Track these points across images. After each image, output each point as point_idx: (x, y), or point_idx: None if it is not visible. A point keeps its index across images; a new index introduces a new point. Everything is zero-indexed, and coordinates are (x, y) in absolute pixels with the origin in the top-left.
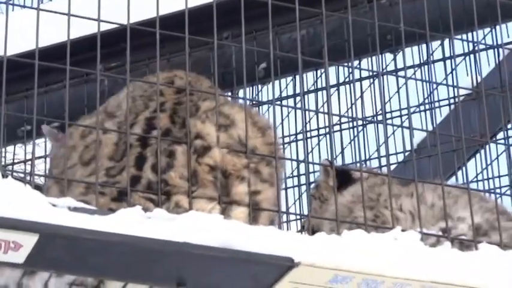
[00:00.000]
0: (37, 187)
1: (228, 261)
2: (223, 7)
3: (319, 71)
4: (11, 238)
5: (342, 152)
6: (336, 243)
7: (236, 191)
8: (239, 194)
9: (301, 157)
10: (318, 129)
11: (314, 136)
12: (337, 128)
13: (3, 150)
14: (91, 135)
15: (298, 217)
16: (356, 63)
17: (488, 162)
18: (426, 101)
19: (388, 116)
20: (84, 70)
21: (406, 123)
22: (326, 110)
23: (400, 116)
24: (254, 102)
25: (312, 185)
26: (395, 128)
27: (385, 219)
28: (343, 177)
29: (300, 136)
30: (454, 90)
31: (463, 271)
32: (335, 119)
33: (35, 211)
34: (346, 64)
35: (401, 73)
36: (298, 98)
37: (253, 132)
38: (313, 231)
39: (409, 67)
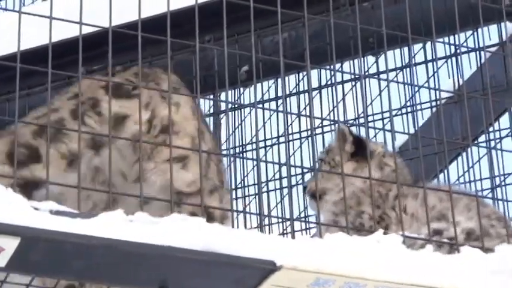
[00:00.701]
0: None
1: (210, 264)
2: (205, 10)
3: (301, 74)
4: None
5: None
6: (318, 247)
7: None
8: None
9: (283, 160)
10: (300, 132)
11: (296, 139)
12: (319, 131)
13: None
14: None
15: (280, 220)
16: (338, 66)
17: (470, 165)
18: (408, 103)
19: (370, 118)
20: (67, 73)
21: (388, 126)
22: (308, 113)
23: (382, 118)
24: (236, 105)
25: (323, 149)
26: (377, 130)
27: (389, 222)
28: (358, 147)
29: (281, 139)
30: (436, 93)
31: (445, 274)
32: (317, 122)
33: (16, 214)
34: (328, 67)
35: (383, 76)
36: (280, 101)
37: None
38: (313, 196)
39: (391, 70)
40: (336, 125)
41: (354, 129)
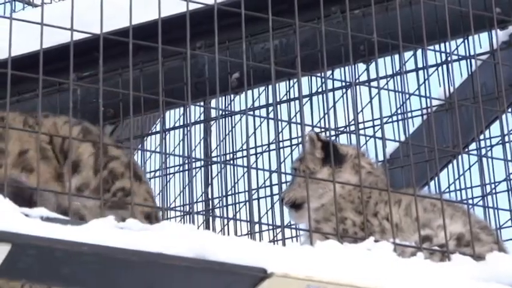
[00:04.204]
0: None
1: (201, 271)
2: (197, 17)
3: (292, 81)
4: None
5: None
6: (309, 254)
7: None
8: None
9: (274, 167)
10: (291, 139)
11: (287, 146)
12: None
13: None
14: None
15: (271, 227)
16: (329, 73)
17: (461, 172)
18: (399, 111)
19: (361, 126)
20: (57, 79)
21: (378, 134)
22: (299, 120)
23: (373, 126)
24: (227, 112)
25: (295, 158)
26: (368, 138)
27: (372, 230)
28: (328, 151)
29: (272, 146)
30: (426, 100)
31: (436, 282)
32: (307, 129)
33: (7, 221)
34: (319, 74)
35: (374, 83)
36: (270, 108)
37: None
38: (295, 205)
39: (382, 77)
40: (307, 132)
41: (343, 136)
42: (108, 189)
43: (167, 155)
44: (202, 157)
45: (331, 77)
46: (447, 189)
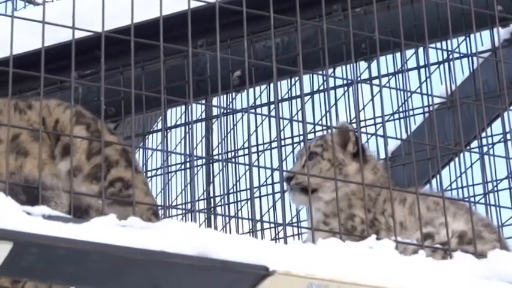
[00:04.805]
0: None
1: (203, 269)
2: (198, 15)
3: (293, 79)
4: None
5: None
6: (311, 252)
7: None
8: None
9: (275, 165)
10: (292, 137)
11: (288, 144)
12: (311, 136)
13: None
14: None
15: (273, 225)
16: (330, 71)
17: (463, 170)
18: (400, 109)
19: (363, 124)
20: (59, 78)
21: (380, 132)
22: (300, 118)
23: (375, 124)
24: (228, 110)
25: (314, 142)
26: (369, 136)
27: (380, 227)
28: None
29: (274, 144)
30: (428, 98)
31: (438, 280)
32: (309, 127)
33: (9, 219)
34: (320, 72)
35: (376, 81)
36: (272, 106)
37: None
38: (306, 189)
39: (384, 75)
40: (339, 123)
41: None
42: (104, 176)
43: (169, 153)
44: (204, 155)
45: (332, 75)
46: (449, 187)
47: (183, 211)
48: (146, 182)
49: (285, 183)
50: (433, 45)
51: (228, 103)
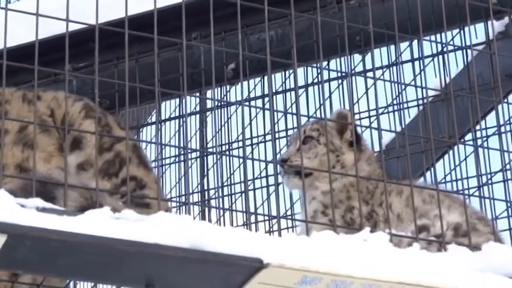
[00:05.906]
0: None
1: (197, 262)
2: (192, 7)
3: (287, 72)
4: None
5: None
6: (305, 245)
7: None
8: None
9: (270, 158)
10: (287, 130)
11: (282, 137)
12: None
13: None
14: None
15: (267, 218)
16: (325, 64)
17: (457, 163)
18: (395, 101)
19: (357, 116)
20: (53, 70)
21: (374, 124)
22: (295, 111)
23: (369, 116)
24: (223, 103)
25: (310, 125)
26: (363, 128)
27: (377, 219)
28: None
29: (268, 137)
30: (422, 91)
31: (432, 272)
32: (303, 120)
33: (3, 212)
34: (314, 65)
35: (370, 74)
36: (266, 99)
37: None
38: (300, 172)
39: (378, 68)
40: (336, 109)
41: None
42: (115, 173)
43: (163, 146)
44: (198, 148)
45: (327, 67)
46: (443, 180)
47: (177, 204)
48: (157, 179)
49: (278, 166)
50: (427, 37)
51: (222, 96)
